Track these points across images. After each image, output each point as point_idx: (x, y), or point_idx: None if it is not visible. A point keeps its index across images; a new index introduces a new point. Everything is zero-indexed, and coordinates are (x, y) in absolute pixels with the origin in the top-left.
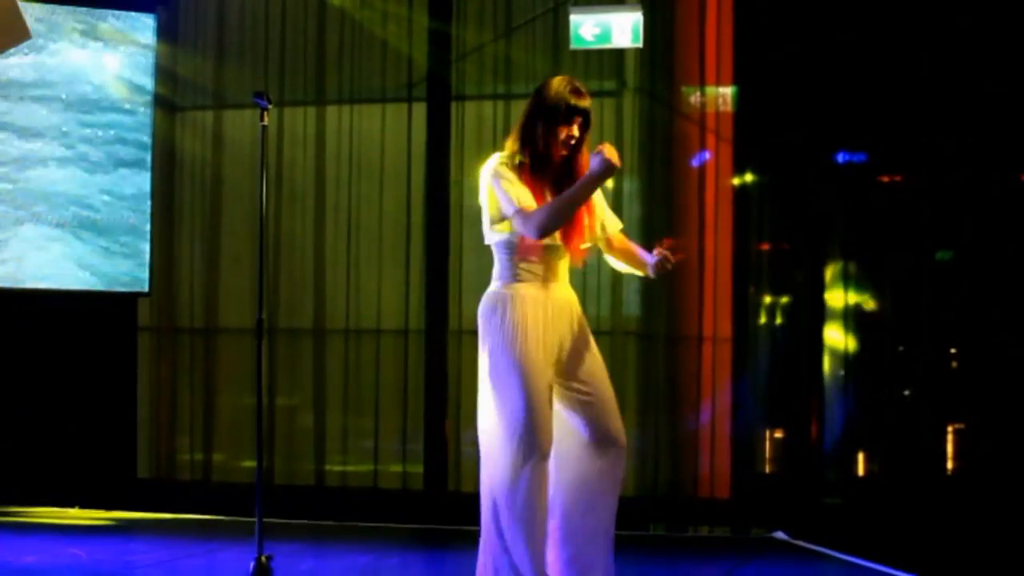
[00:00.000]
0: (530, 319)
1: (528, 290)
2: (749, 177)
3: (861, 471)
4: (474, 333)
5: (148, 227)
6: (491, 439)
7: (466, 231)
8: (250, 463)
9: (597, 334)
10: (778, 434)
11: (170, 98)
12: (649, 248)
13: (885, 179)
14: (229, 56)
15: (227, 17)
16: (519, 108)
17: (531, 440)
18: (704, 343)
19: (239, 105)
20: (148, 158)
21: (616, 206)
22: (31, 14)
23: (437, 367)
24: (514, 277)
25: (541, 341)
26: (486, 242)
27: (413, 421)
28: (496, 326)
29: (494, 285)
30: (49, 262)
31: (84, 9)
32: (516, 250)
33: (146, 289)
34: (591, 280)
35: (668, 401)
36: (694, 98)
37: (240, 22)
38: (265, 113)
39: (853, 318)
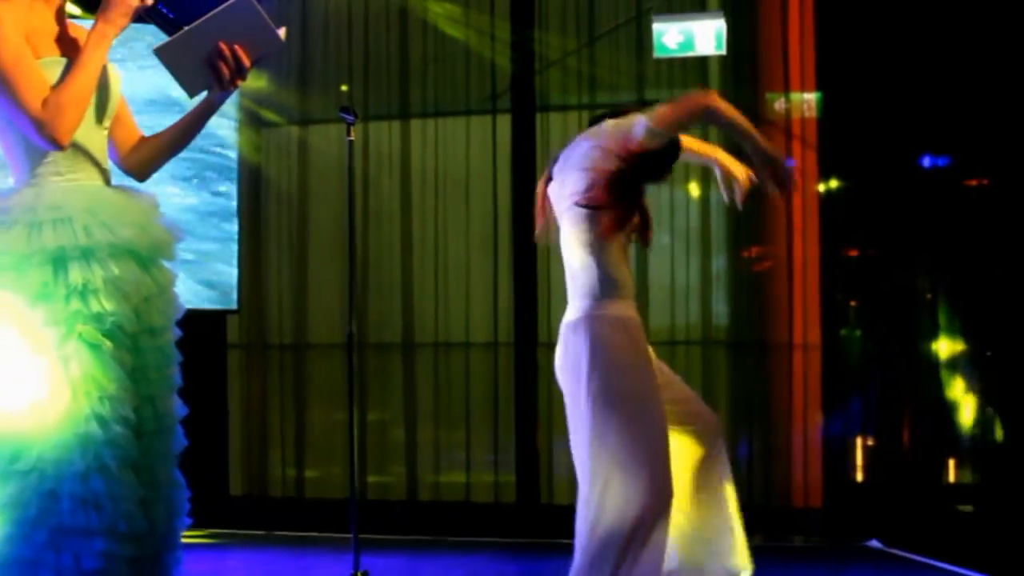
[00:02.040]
0: (642, 343)
1: (628, 309)
2: (835, 183)
3: (953, 478)
4: None
5: (236, 244)
6: (611, 479)
7: (553, 242)
8: (342, 478)
9: (687, 343)
10: (870, 442)
11: (255, 113)
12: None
13: (972, 183)
14: (313, 70)
15: (310, 31)
16: None
17: (665, 483)
18: (794, 351)
19: (324, 120)
20: (234, 174)
21: (703, 213)
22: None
23: (527, 379)
24: (613, 292)
25: (653, 367)
26: (575, 245)
27: (504, 433)
28: (617, 348)
29: (595, 306)
30: None
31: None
32: (608, 250)
33: (235, 306)
34: (679, 288)
35: (760, 410)
36: (778, 104)
37: (323, 36)
38: (352, 128)
39: (942, 323)
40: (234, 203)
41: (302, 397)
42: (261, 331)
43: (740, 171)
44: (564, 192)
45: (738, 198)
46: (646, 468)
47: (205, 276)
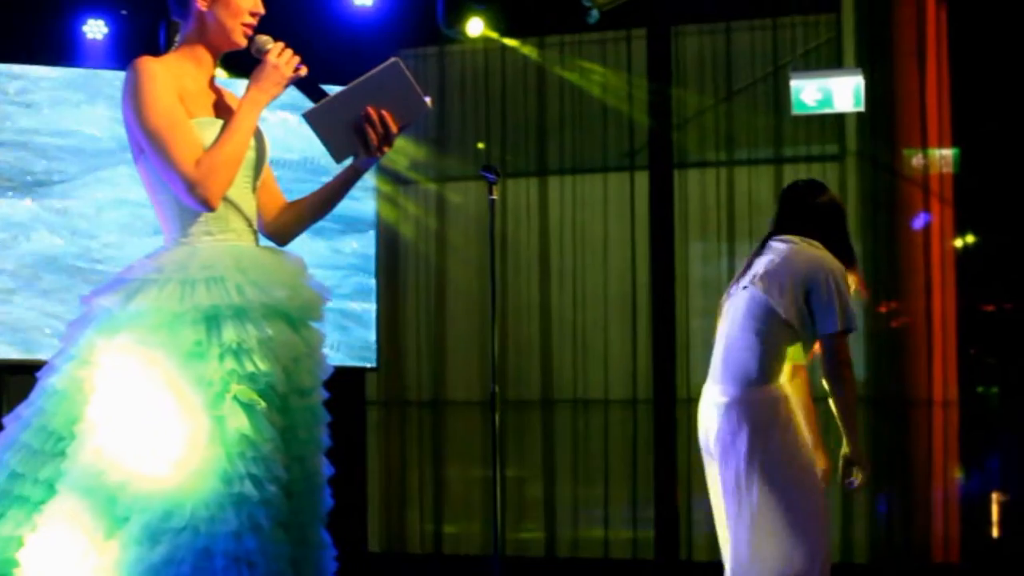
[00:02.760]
0: (794, 418)
1: (778, 390)
2: (971, 238)
3: None
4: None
5: (374, 301)
6: (778, 551)
7: (692, 299)
8: (480, 534)
9: (826, 399)
10: (1008, 498)
11: (393, 170)
12: None
13: None
14: (450, 128)
15: (448, 89)
16: (741, 174)
17: (829, 549)
18: (933, 407)
19: (461, 177)
20: (373, 230)
21: None
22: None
23: (666, 435)
24: (771, 379)
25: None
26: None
27: (643, 489)
28: (782, 429)
29: (765, 388)
30: None
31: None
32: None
33: (373, 363)
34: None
35: (899, 465)
36: (916, 160)
37: (460, 94)
38: (494, 186)
39: None
40: (373, 259)
41: (440, 453)
42: (400, 388)
43: (822, 463)
44: (758, 281)
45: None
46: (812, 537)
47: (344, 332)
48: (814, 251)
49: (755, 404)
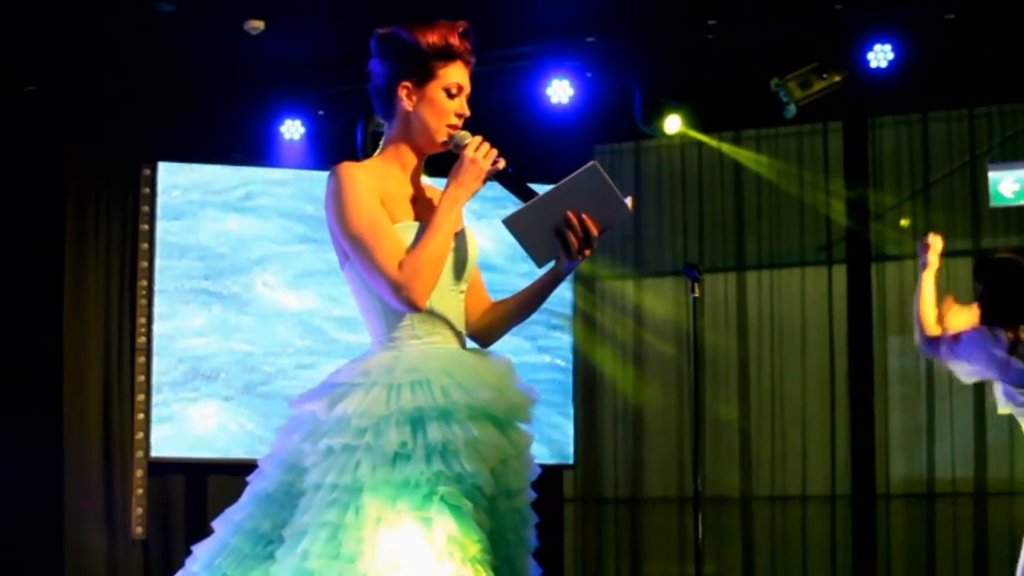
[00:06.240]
0: None
1: None
2: None
3: None
4: (903, 496)
5: (571, 398)
6: None
7: (891, 393)
8: None
9: None
10: None
11: (588, 271)
12: None
13: None
14: (648, 225)
15: (644, 183)
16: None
17: None
18: None
19: (658, 273)
20: (569, 329)
21: None
22: None
23: (865, 531)
24: None
25: None
26: None
27: None
28: None
29: None
30: None
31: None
32: None
33: (571, 461)
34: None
35: None
36: None
37: (657, 191)
38: (696, 284)
39: None
40: (569, 357)
41: (637, 550)
42: (597, 486)
43: None
44: None
45: None
46: None
47: (542, 432)
48: None
49: None
